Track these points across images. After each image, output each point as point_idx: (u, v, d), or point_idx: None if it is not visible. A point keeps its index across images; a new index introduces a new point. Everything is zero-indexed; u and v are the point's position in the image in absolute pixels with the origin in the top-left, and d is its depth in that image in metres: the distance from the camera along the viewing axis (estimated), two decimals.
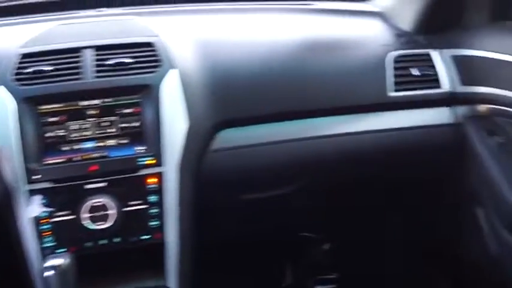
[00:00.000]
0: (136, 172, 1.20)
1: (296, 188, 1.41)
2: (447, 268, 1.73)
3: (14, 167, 1.14)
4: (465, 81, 1.40)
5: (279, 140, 1.33)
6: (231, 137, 1.31)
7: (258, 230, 1.67)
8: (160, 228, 1.22)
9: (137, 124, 1.21)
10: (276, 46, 1.39)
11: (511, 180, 1.29)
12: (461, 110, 1.41)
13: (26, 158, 1.15)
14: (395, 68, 1.39)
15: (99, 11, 1.54)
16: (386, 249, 1.87)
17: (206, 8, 1.61)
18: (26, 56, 1.21)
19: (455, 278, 1.71)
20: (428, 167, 1.48)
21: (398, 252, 1.86)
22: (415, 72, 1.40)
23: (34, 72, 1.18)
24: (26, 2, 1.59)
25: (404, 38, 1.47)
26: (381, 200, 1.63)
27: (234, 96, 1.32)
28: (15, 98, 1.15)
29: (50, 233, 1.17)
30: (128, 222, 1.19)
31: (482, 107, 1.38)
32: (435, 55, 1.44)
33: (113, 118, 1.20)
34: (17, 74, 1.18)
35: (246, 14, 1.57)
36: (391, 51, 1.42)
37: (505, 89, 1.30)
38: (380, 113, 1.39)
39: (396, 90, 1.37)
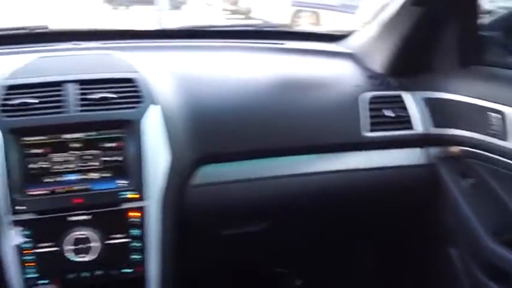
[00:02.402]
0: (118, 205, 1.20)
1: (271, 225, 1.42)
2: None
3: None
4: (437, 123, 1.44)
5: (256, 177, 1.35)
6: (210, 173, 1.32)
7: (234, 264, 1.67)
8: (142, 262, 1.22)
9: (120, 158, 1.21)
10: (252, 84, 1.42)
11: (485, 222, 1.32)
12: (434, 151, 1.45)
13: (11, 189, 1.13)
14: (370, 109, 1.42)
15: (75, 44, 1.53)
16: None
17: (182, 44, 1.63)
18: (11, 87, 1.21)
19: None
20: (400, 207, 1.50)
21: None
22: (388, 113, 1.43)
23: (19, 104, 1.18)
24: (4, 33, 1.58)
25: (376, 79, 1.51)
26: (353, 238, 1.64)
27: (214, 132, 1.33)
28: (1, 129, 1.14)
29: (33, 264, 1.16)
30: (111, 256, 1.19)
31: (454, 149, 1.42)
32: (407, 97, 1.48)
33: (95, 152, 1.20)
34: (2, 105, 1.17)
35: (222, 52, 1.60)
36: (364, 92, 1.45)
37: (476, 131, 1.34)
38: (354, 153, 1.41)
39: (371, 131, 1.40)
